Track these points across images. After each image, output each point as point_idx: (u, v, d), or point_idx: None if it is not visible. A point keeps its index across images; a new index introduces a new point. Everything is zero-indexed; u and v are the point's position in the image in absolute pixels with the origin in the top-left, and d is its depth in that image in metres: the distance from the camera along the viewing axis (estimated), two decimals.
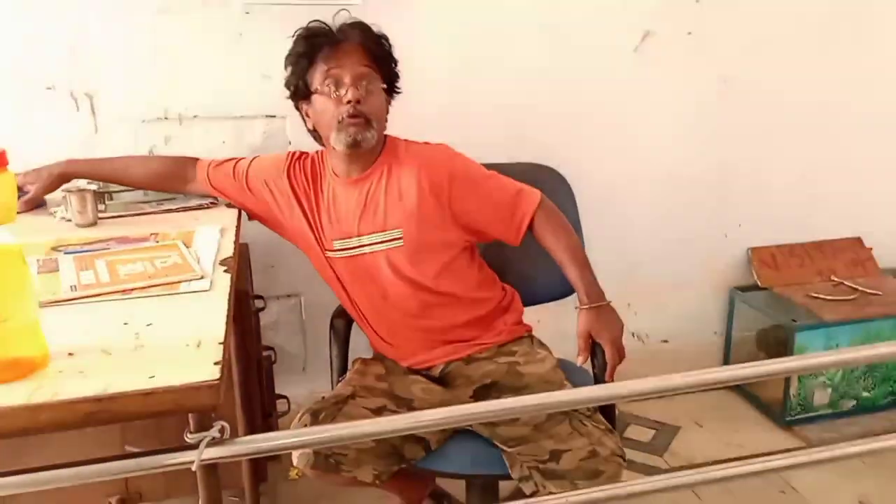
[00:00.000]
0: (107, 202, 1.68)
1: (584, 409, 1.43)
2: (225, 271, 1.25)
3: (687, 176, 2.45)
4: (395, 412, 1.47)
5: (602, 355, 1.50)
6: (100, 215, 1.59)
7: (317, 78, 1.48)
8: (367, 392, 1.51)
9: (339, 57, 1.47)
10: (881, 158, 2.62)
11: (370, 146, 1.50)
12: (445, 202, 1.52)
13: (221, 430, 0.88)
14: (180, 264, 1.27)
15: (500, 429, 1.42)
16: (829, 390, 2.39)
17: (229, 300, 1.12)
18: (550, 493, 1.35)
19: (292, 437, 0.98)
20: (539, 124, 2.26)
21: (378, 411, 1.46)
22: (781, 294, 2.50)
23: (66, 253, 1.35)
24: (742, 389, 2.55)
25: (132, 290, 1.16)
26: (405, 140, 1.59)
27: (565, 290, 1.67)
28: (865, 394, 2.44)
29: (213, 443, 0.87)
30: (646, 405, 2.47)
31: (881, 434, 1.17)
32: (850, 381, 2.41)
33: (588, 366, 1.55)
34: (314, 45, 1.48)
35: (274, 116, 2.06)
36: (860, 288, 2.51)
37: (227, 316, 1.06)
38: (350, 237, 1.55)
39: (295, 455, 1.40)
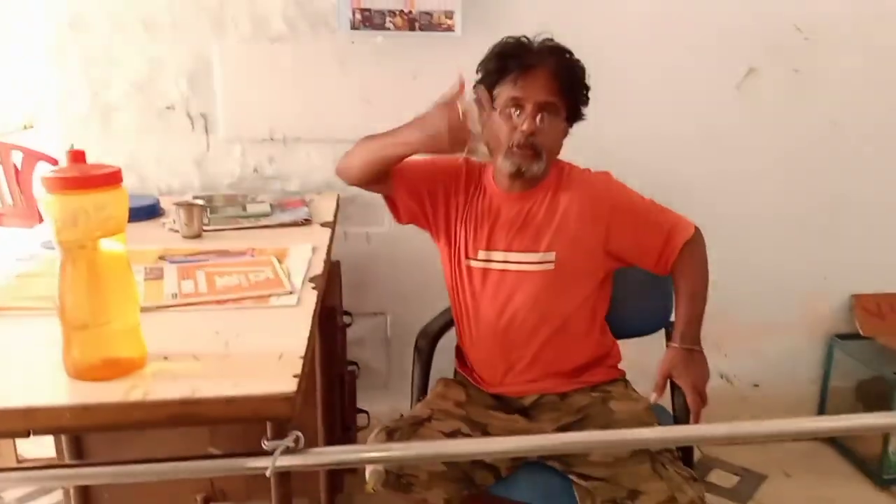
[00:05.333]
0: (210, 216, 1.78)
1: (667, 453, 1.40)
2: (313, 288, 1.32)
3: (787, 215, 2.36)
4: (468, 436, 1.48)
5: (683, 399, 1.47)
6: (204, 228, 1.70)
7: (501, 97, 1.48)
8: (444, 415, 1.53)
9: (525, 83, 1.46)
10: None
11: (533, 176, 1.51)
12: (602, 230, 1.52)
13: (296, 440, 0.94)
14: (272, 279, 1.34)
15: (577, 462, 1.41)
16: None
17: (314, 316, 1.18)
18: None
19: (363, 453, 1.03)
20: (634, 160, 2.23)
21: (452, 435, 1.47)
22: (886, 345, 2.36)
23: (170, 262, 1.45)
24: (837, 442, 2.42)
25: (226, 300, 1.24)
26: (569, 164, 1.59)
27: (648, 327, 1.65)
28: None
29: (288, 451, 0.93)
30: (731, 450, 2.38)
31: None
32: None
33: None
34: (505, 66, 1.48)
35: None
36: None
37: (311, 331, 1.12)
38: (496, 250, 1.56)
39: (367, 471, 1.43)
